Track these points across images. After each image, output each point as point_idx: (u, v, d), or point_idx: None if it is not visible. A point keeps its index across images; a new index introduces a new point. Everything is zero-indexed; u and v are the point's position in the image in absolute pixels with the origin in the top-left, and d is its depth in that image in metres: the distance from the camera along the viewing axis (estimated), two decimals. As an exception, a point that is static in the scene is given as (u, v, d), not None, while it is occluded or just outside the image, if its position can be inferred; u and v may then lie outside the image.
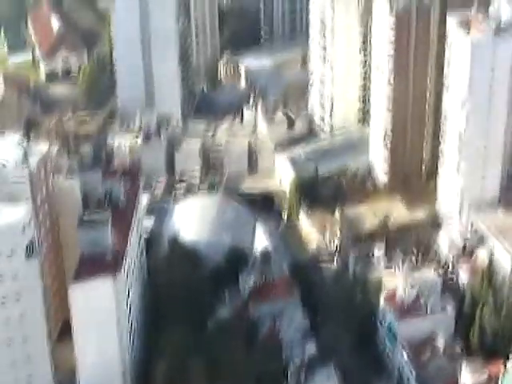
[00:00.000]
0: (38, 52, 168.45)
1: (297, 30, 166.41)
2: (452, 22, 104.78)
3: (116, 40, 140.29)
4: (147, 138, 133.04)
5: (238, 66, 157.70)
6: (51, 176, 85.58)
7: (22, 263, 72.81)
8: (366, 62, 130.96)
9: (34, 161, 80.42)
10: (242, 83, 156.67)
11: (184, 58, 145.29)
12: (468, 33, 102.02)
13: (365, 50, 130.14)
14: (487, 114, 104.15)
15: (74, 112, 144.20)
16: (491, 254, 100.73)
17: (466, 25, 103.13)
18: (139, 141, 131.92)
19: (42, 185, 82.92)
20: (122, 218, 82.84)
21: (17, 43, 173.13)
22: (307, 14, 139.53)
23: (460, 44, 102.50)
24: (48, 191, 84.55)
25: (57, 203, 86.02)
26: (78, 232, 78.42)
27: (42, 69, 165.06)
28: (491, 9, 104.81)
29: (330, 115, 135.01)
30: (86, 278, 74.26)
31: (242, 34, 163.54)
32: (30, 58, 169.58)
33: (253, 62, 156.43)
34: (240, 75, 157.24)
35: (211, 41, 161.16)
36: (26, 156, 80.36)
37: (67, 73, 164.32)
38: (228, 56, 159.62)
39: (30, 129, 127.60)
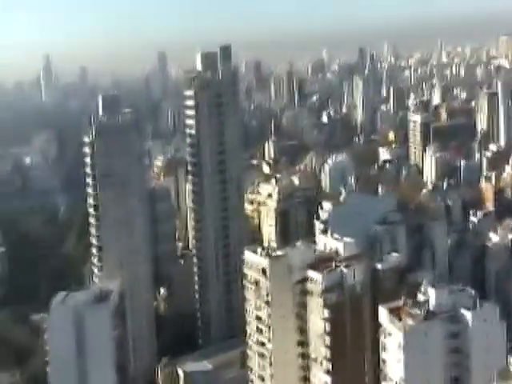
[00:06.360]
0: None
1: (235, 328, 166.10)
2: (383, 310, 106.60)
3: (50, 353, 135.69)
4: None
5: (176, 371, 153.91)
6: None
7: None
8: (303, 354, 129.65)
9: None
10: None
11: (121, 366, 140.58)
12: (400, 320, 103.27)
13: (302, 342, 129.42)
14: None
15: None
16: None
17: (397, 312, 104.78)
18: None
19: None
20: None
21: None
22: (244, 311, 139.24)
23: (392, 331, 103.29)
24: None
25: None
26: None
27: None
28: (419, 296, 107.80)
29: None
30: None
31: (180, 337, 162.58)
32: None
33: (191, 366, 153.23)
34: (179, 380, 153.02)
35: (148, 347, 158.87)
36: None
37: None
38: (166, 361, 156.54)
39: None
